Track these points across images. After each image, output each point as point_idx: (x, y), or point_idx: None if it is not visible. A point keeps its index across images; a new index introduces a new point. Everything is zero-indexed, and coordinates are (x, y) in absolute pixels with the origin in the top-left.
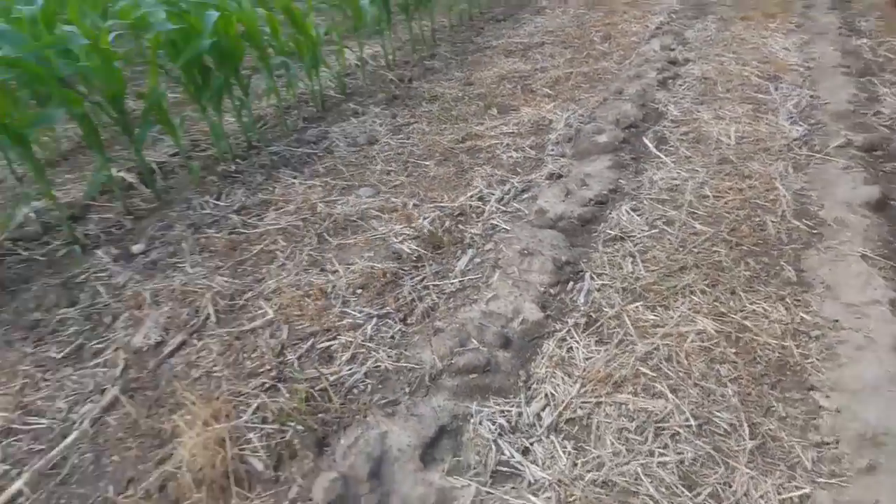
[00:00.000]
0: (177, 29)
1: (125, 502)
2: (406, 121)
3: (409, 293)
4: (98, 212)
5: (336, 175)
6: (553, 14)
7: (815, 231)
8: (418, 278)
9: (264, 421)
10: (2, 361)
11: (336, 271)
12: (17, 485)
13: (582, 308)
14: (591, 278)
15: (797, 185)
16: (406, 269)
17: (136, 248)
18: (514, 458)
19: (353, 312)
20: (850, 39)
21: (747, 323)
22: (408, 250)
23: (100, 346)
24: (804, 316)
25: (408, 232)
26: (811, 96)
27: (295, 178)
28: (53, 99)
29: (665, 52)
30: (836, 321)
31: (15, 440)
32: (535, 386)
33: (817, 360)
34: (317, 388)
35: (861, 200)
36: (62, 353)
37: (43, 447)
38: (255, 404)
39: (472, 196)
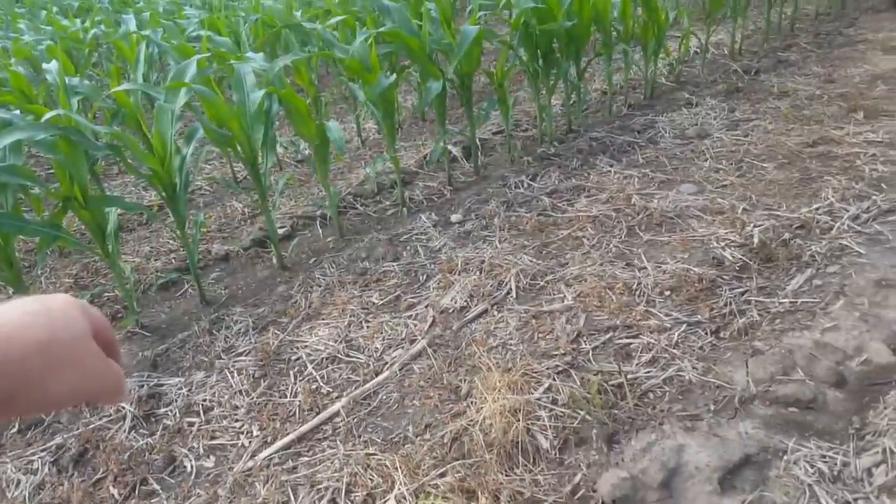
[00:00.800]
0: (535, 8)
1: (422, 444)
2: (746, 116)
3: (727, 305)
4: (424, 180)
5: (657, 167)
6: None
7: None
8: (739, 290)
9: (554, 402)
10: (336, 299)
11: (644, 268)
12: (337, 406)
13: None
14: None
15: None
16: (726, 278)
17: (454, 218)
18: None
19: (658, 314)
20: None
21: None
22: (731, 258)
23: (413, 300)
24: None
25: (733, 238)
26: None
27: (611, 166)
28: (420, 72)
29: None
30: None
31: (337, 367)
32: (869, 437)
33: None
34: (610, 382)
35: None
36: (383, 301)
37: (359, 379)
38: (547, 384)
39: (818, 209)
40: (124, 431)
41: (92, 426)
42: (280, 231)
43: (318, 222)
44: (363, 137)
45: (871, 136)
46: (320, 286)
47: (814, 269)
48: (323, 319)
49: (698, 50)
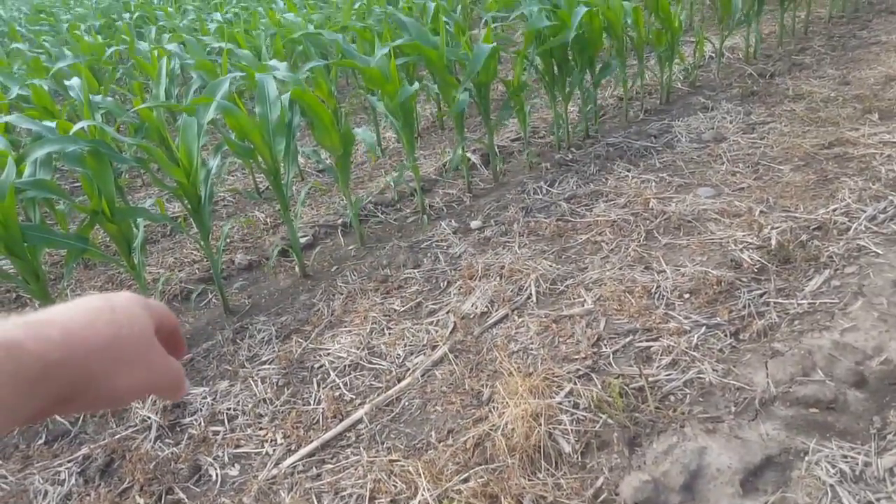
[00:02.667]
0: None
1: (444, 449)
2: (762, 119)
3: (746, 307)
4: (443, 187)
5: (674, 171)
6: None
7: None
8: (758, 292)
9: (576, 406)
10: (358, 306)
11: (663, 271)
12: (360, 413)
13: None
14: None
15: None
16: (744, 280)
17: (473, 224)
18: None
19: (678, 316)
20: None
21: None
22: (749, 260)
23: (434, 306)
24: None
25: (751, 240)
26: None
27: (629, 170)
28: (439, 82)
29: None
30: None
31: (360, 374)
32: (890, 437)
33: None
34: (631, 385)
35: None
36: (404, 308)
37: (381, 385)
38: (568, 388)
39: (835, 210)
40: (150, 441)
41: (118, 436)
42: (302, 240)
43: (339, 231)
44: (383, 147)
45: (886, 136)
46: (342, 294)
47: (832, 270)
48: (345, 327)
49: (713, 55)
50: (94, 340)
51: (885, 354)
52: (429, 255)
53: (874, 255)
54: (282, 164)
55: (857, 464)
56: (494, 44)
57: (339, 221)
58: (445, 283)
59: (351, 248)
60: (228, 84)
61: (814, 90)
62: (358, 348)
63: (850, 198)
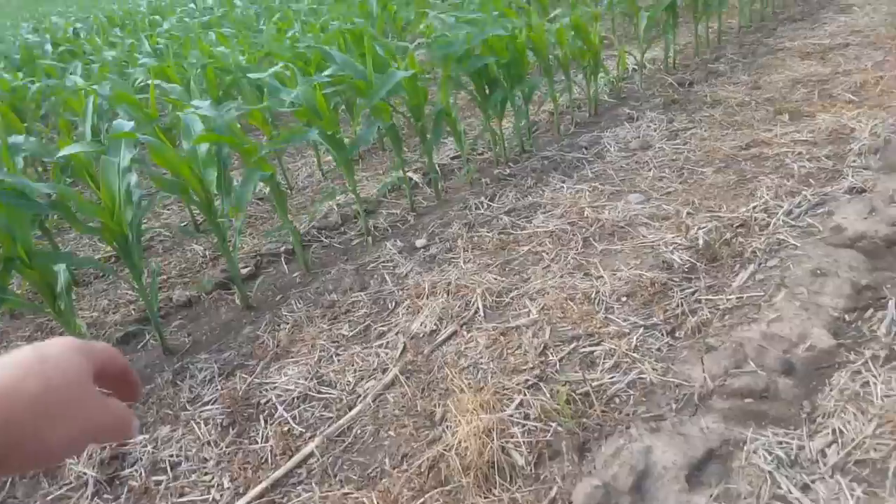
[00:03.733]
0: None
1: (399, 476)
2: (683, 126)
3: (679, 305)
4: (387, 207)
5: (606, 180)
6: (862, 12)
7: None
8: (689, 291)
9: (526, 417)
10: (304, 335)
11: (601, 277)
12: (310, 447)
13: (883, 339)
14: None
15: None
16: (676, 280)
17: (418, 243)
18: (791, 493)
19: (617, 320)
20: None
21: None
22: (679, 261)
23: (383, 328)
24: None
25: (680, 241)
26: None
27: (564, 182)
28: (371, 109)
29: None
30: None
31: (309, 406)
32: (820, 420)
33: None
34: (578, 391)
35: None
36: (353, 332)
37: (332, 415)
38: (518, 399)
39: (755, 207)
40: (87, 499)
41: (51, 496)
42: (244, 270)
43: (283, 258)
44: (324, 170)
45: (796, 135)
46: (288, 323)
47: (756, 265)
48: (292, 357)
49: (636, 67)
50: (20, 398)
51: (809, 341)
52: (375, 276)
53: (793, 248)
54: (215, 196)
55: (792, 448)
56: (407, 72)
57: (282, 249)
58: (393, 303)
59: (295, 275)
60: (134, 121)
61: (729, 96)
62: (306, 379)
63: (767, 195)
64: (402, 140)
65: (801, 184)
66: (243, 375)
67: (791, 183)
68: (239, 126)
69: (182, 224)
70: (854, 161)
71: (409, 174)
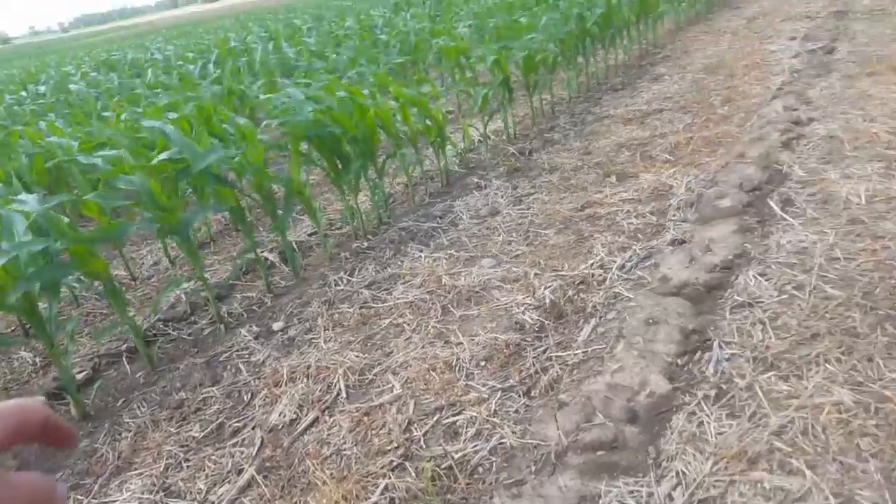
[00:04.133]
0: (320, 120)
1: None
2: (527, 191)
3: (533, 365)
4: (241, 291)
5: (460, 247)
6: (671, 81)
7: None
8: (541, 349)
9: (392, 502)
10: (148, 442)
11: (460, 343)
12: None
13: (711, 379)
14: (720, 347)
15: None
16: (529, 339)
17: (275, 326)
18: None
19: (477, 386)
20: None
21: (887, 392)
22: (530, 320)
23: (238, 424)
24: None
25: (529, 302)
26: None
27: (421, 251)
28: (212, 194)
29: (788, 113)
30: None
31: None
32: (665, 463)
33: None
34: (442, 466)
35: None
36: (204, 433)
37: None
38: (384, 484)
39: (592, 264)
40: None
41: None
42: (80, 375)
43: (124, 357)
44: (172, 256)
45: (624, 195)
46: (130, 430)
47: (597, 319)
48: (135, 469)
49: (481, 138)
50: None
51: (649, 387)
52: (229, 367)
53: (627, 300)
54: (41, 298)
55: (643, 496)
56: (233, 151)
57: (124, 347)
58: (249, 395)
59: (139, 374)
60: None
61: (564, 162)
62: (151, 492)
63: (602, 252)
64: (259, 219)
65: (630, 239)
66: (78, 497)
67: (622, 239)
68: (66, 220)
69: (7, 330)
70: (674, 215)
71: (265, 254)
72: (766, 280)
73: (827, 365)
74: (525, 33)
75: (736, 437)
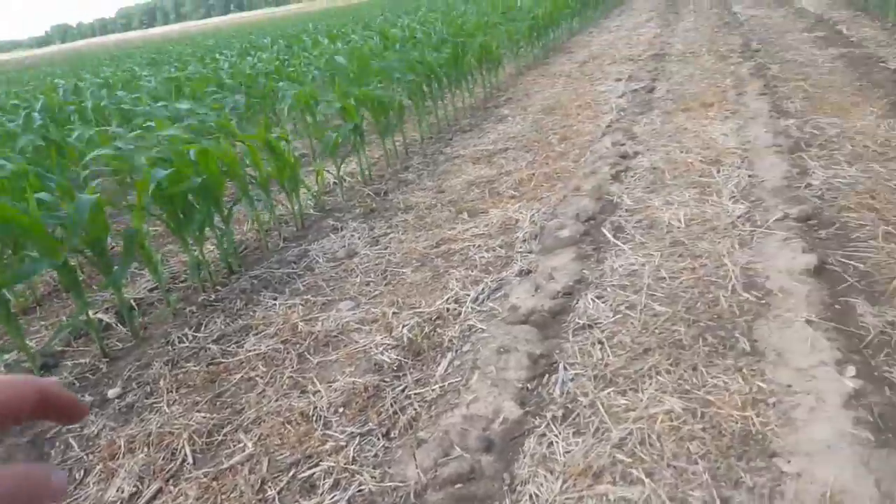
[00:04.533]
0: (167, 174)
1: None
2: (383, 231)
3: (392, 405)
4: (73, 357)
5: (317, 292)
6: (514, 121)
7: (763, 301)
8: (399, 388)
9: None
10: None
11: (318, 391)
12: None
13: (558, 400)
14: (565, 369)
15: (743, 259)
16: (388, 380)
17: (111, 393)
18: None
19: (335, 434)
20: (780, 121)
21: (710, 397)
22: (388, 360)
23: None
24: (760, 384)
25: (388, 342)
26: (749, 176)
27: (275, 299)
28: (35, 247)
29: (616, 148)
30: (789, 386)
31: None
32: (519, 488)
33: (776, 426)
34: None
35: (801, 268)
36: None
37: None
38: None
39: (448, 299)
40: None
41: None
42: None
43: None
44: None
45: (475, 230)
46: None
47: (453, 353)
48: None
49: (336, 181)
50: None
51: (503, 414)
52: (58, 445)
53: (481, 332)
54: None
55: None
56: (97, 195)
57: None
58: (82, 472)
59: None
60: None
61: (419, 201)
62: None
63: (457, 286)
64: (90, 275)
65: (482, 272)
66: None
67: (475, 273)
68: None
69: None
70: (520, 247)
71: (100, 315)
72: (603, 302)
73: (658, 377)
74: (374, 79)
75: (581, 453)
